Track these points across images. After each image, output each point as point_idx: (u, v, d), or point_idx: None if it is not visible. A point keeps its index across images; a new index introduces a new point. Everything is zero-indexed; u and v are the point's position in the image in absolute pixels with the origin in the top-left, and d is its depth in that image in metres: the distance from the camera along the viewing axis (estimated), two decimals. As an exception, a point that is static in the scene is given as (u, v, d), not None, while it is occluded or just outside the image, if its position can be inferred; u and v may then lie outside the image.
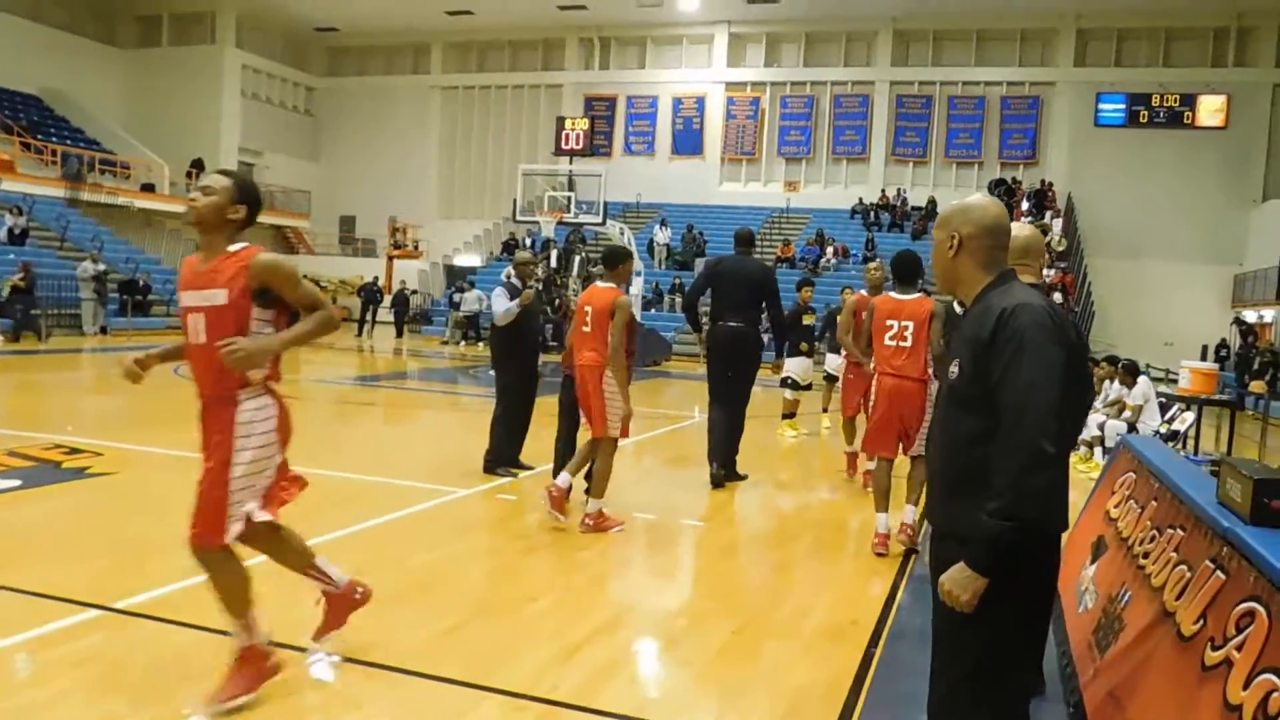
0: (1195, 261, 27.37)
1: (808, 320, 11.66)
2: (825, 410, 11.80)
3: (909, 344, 5.89)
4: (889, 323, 5.98)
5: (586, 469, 6.30)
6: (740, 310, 7.79)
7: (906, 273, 6.15)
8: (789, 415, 11.49)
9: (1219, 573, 2.81)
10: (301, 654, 3.85)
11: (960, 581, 2.21)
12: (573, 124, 26.67)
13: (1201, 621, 2.77)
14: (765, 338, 8.58)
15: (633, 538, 6.32)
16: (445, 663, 3.84)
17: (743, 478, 8.04)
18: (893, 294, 6.15)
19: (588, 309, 6.10)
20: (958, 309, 5.04)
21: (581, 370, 6.11)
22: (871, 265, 7.58)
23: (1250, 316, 24.75)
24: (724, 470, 7.82)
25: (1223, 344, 24.65)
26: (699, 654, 4.14)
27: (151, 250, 27.79)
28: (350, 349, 22.24)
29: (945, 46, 30.83)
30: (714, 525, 6.76)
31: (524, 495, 7.14)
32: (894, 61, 31.00)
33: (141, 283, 23.39)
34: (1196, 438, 9.41)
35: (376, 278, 28.31)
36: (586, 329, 6.09)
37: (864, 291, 7.48)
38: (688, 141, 33.20)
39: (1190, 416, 8.27)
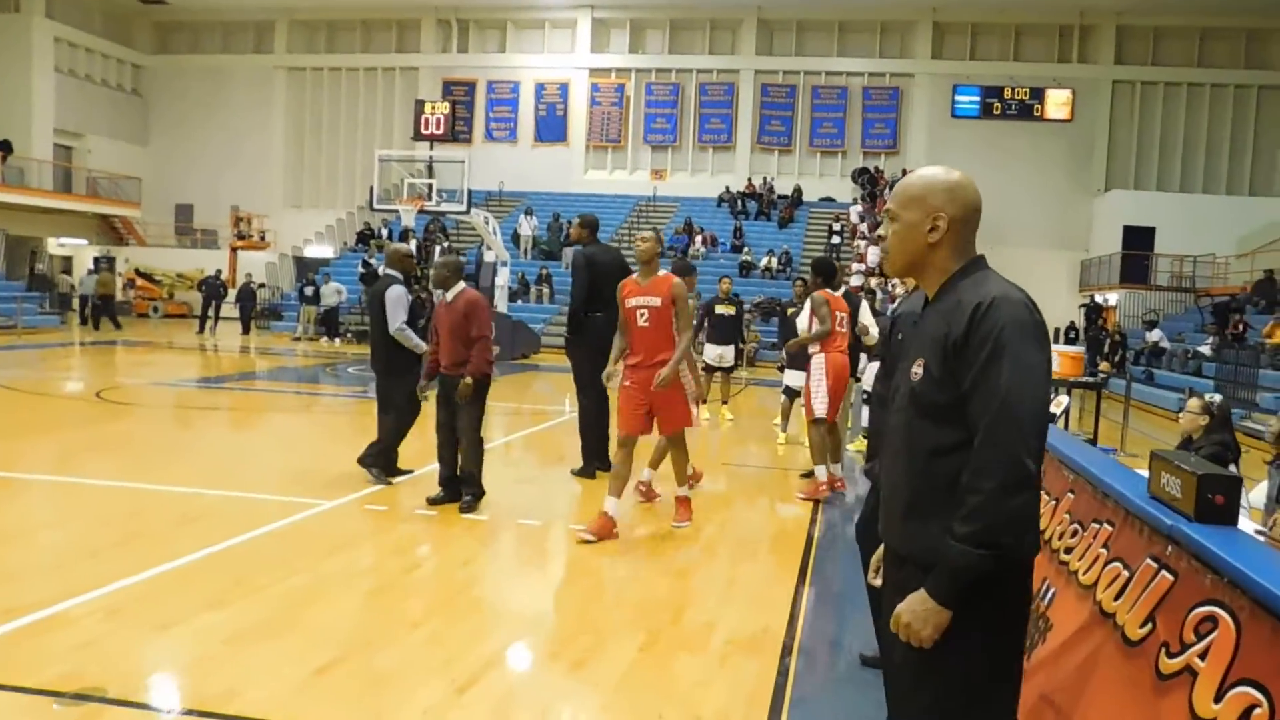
0: (1046, 247, 28.94)
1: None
2: (704, 401, 11.66)
3: (844, 329, 7.64)
4: (839, 314, 7.56)
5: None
6: (613, 301, 7.88)
7: (831, 273, 7.73)
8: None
9: (1165, 572, 2.72)
10: (140, 709, 3.34)
11: (920, 614, 1.96)
12: (433, 108, 25.82)
13: (1150, 625, 2.67)
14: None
15: (519, 547, 5.99)
16: (318, 711, 3.41)
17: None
18: (830, 291, 7.57)
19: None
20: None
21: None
22: (642, 235, 6.44)
23: (1097, 299, 26.35)
24: (598, 462, 7.89)
25: (1071, 326, 26.11)
26: (607, 677, 3.85)
27: (-47, 243, 25.36)
28: (191, 347, 20.84)
29: (808, 36, 31.49)
30: (604, 530, 6.48)
31: (396, 504, 6.67)
32: (758, 50, 31.44)
33: (-58, 279, 21.26)
34: (1066, 420, 9.77)
35: (219, 270, 26.68)
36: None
37: (635, 277, 6.68)
38: (552, 128, 32.76)
39: (1065, 400, 8.54)
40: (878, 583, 2.29)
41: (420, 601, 4.74)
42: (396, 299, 7.07)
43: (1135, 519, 3.09)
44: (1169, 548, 2.75)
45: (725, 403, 11.81)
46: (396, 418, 7.20)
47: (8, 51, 29.64)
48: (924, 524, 2.02)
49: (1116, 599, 2.97)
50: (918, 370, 2.06)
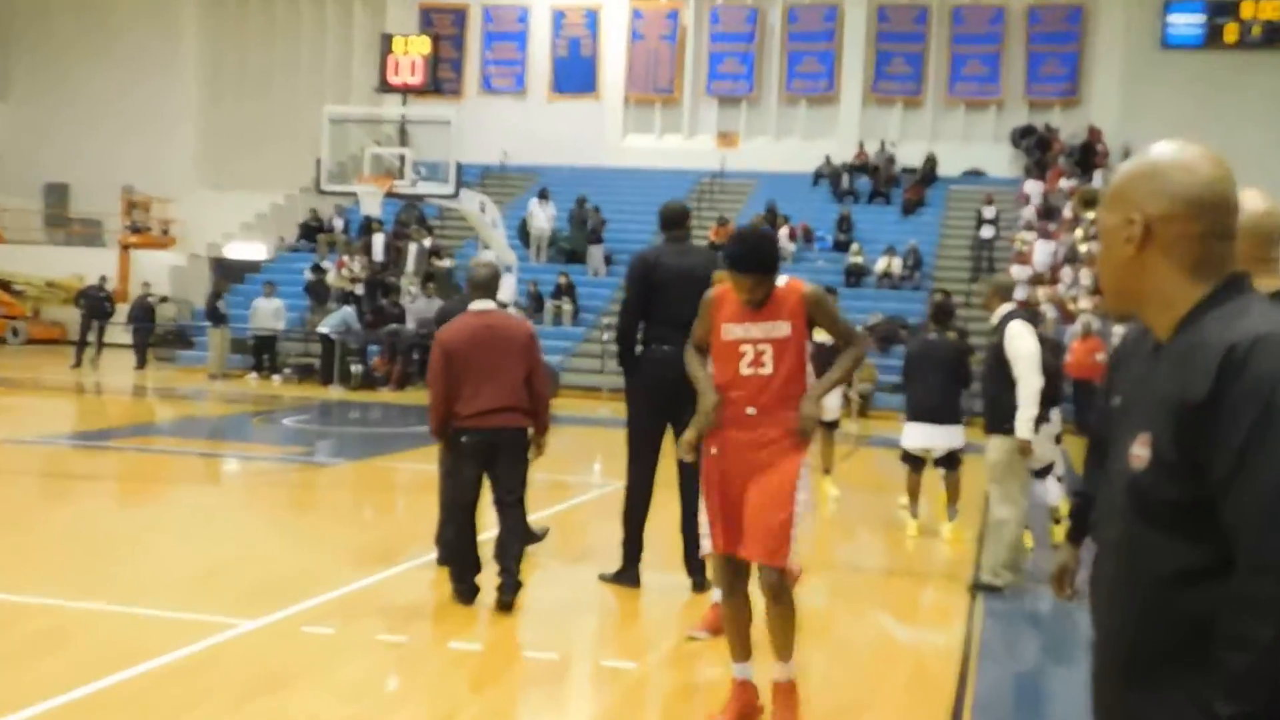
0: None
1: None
2: (827, 471, 11.48)
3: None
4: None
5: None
6: (689, 326, 7.41)
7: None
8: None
9: None
10: None
11: None
12: (405, 46, 26.09)
13: None
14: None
15: (523, 694, 5.85)
16: None
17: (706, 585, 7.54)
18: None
19: None
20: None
21: None
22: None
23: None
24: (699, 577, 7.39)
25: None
26: None
27: None
28: (65, 387, 21.13)
29: (946, -64, 31.48)
30: (648, 668, 6.33)
31: (351, 623, 6.57)
32: (873, -42, 31.50)
33: None
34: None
35: (104, 278, 27.03)
36: None
37: None
38: (575, 75, 33.03)
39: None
40: None
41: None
42: None
43: None
44: None
45: (827, 472, 11.63)
46: None
47: None
48: (1158, 694, 1.84)
49: None
50: (1141, 452, 1.87)
